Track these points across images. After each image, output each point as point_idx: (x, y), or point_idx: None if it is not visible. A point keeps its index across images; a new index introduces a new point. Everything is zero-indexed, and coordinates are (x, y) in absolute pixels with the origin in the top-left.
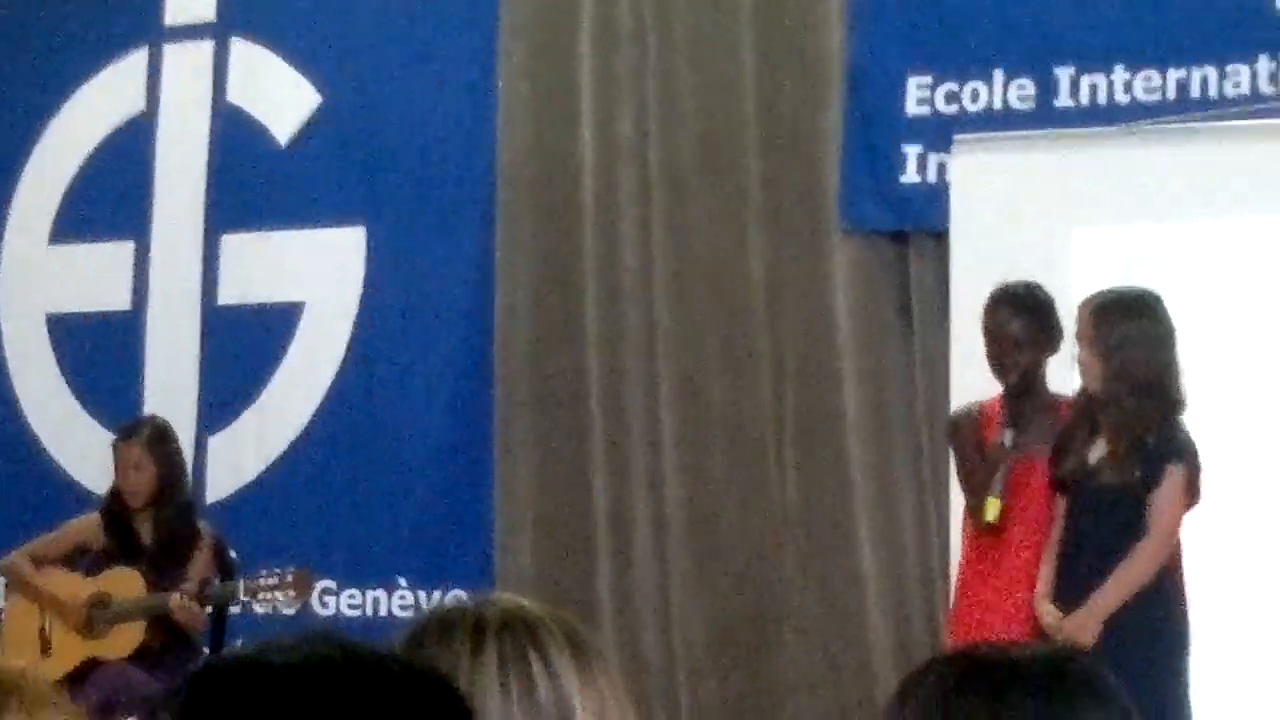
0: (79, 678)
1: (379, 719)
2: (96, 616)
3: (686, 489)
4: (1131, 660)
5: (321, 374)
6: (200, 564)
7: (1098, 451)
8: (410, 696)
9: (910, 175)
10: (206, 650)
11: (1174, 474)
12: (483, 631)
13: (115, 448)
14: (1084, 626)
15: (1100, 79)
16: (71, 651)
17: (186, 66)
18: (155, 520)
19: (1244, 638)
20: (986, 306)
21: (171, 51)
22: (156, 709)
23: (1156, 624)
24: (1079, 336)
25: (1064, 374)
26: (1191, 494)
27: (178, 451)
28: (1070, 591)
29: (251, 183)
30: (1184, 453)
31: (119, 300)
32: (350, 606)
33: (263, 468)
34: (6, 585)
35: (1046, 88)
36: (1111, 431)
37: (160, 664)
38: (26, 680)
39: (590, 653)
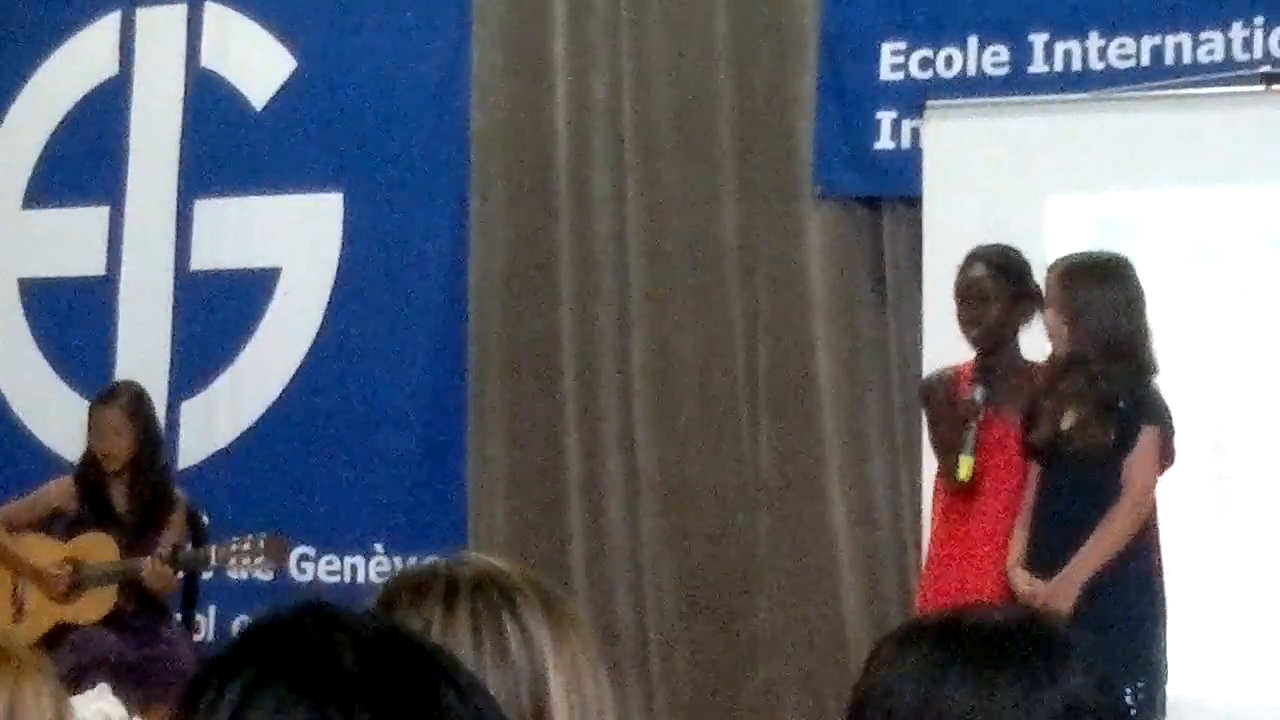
0: (51, 642)
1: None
2: (75, 579)
3: (659, 453)
4: (1109, 625)
5: (297, 340)
6: (173, 530)
7: (1070, 417)
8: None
9: (884, 141)
10: (178, 616)
11: (1148, 436)
12: (455, 591)
13: (92, 411)
14: (1062, 593)
15: (1074, 45)
16: (44, 616)
17: (160, 30)
18: (130, 485)
19: (1220, 601)
20: (960, 266)
21: (145, 15)
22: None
23: (1133, 588)
24: (1047, 300)
25: (1043, 346)
26: (1165, 456)
27: (154, 417)
28: (1045, 558)
29: (227, 148)
30: (1157, 415)
31: (93, 265)
32: (328, 573)
33: (238, 433)
34: None
35: (1021, 54)
36: (1080, 395)
37: (132, 629)
38: (10, 643)
39: (563, 613)
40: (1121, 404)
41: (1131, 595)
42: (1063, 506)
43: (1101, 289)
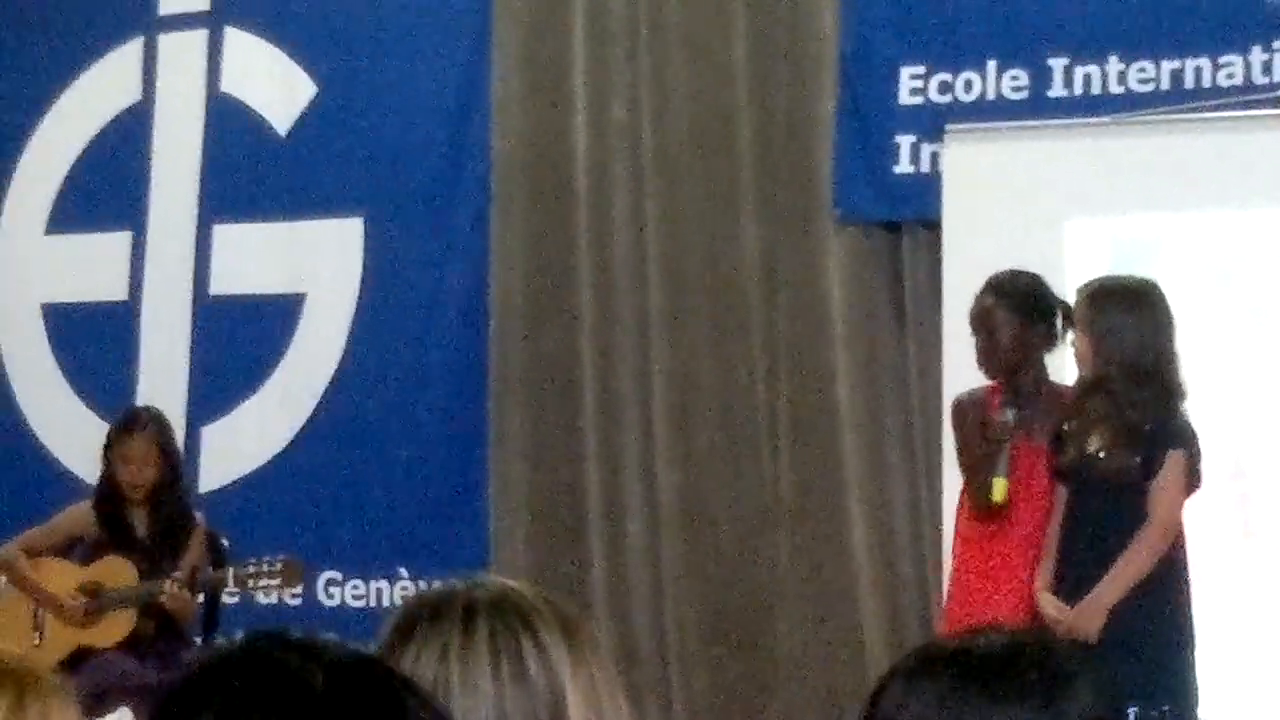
0: (71, 666)
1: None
2: (92, 607)
3: (679, 476)
4: (1137, 649)
5: (322, 365)
6: (193, 553)
7: (1096, 441)
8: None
9: (904, 165)
10: (198, 640)
11: (1174, 460)
12: (474, 613)
13: (118, 440)
14: (1090, 618)
15: (1094, 69)
16: (63, 640)
17: (181, 56)
18: (151, 510)
19: (1249, 624)
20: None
21: (166, 41)
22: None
23: (1160, 612)
24: (1075, 323)
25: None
26: (1192, 480)
27: (175, 442)
28: (1071, 582)
29: (248, 173)
30: (1184, 439)
31: (115, 290)
32: (354, 597)
33: (267, 458)
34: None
35: (1040, 78)
36: (1106, 418)
37: (152, 652)
38: (36, 669)
39: (580, 634)
40: (1148, 428)
41: (1159, 619)
42: (1090, 530)
43: (1129, 313)
